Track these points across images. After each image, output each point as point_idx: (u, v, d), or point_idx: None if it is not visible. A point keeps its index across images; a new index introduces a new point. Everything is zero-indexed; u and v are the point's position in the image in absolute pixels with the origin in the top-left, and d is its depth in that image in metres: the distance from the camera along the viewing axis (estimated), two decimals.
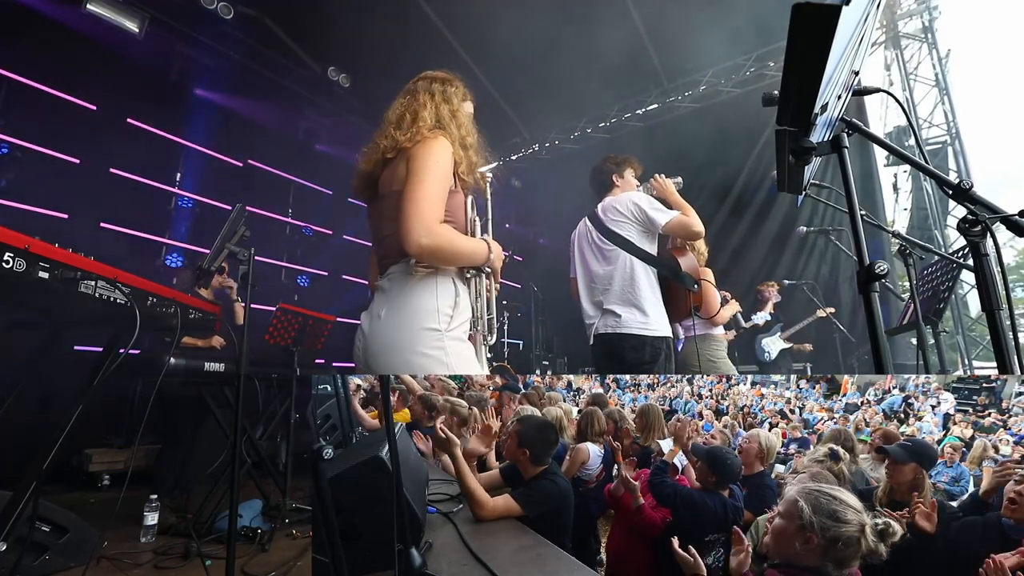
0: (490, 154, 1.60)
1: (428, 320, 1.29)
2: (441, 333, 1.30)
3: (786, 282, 4.71)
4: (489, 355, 1.50)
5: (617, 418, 2.13)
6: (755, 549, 1.24)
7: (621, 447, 1.93)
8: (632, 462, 1.64)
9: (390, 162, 1.41)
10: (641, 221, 2.57)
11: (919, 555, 1.25)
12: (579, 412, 2.30)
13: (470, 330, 1.45)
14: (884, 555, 1.01)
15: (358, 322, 1.40)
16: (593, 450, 1.91)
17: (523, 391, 2.53)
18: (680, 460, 1.69)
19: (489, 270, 1.46)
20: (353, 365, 1.40)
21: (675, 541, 1.26)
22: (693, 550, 1.24)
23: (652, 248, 2.60)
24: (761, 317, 4.53)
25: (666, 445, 1.65)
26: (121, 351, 1.37)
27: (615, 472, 1.63)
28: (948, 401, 3.20)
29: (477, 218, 1.45)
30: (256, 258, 1.68)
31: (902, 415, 3.21)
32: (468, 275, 1.42)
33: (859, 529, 1.00)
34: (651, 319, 2.49)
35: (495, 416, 1.68)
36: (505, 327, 5.48)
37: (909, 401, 3.36)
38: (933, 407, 3.20)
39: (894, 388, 3.91)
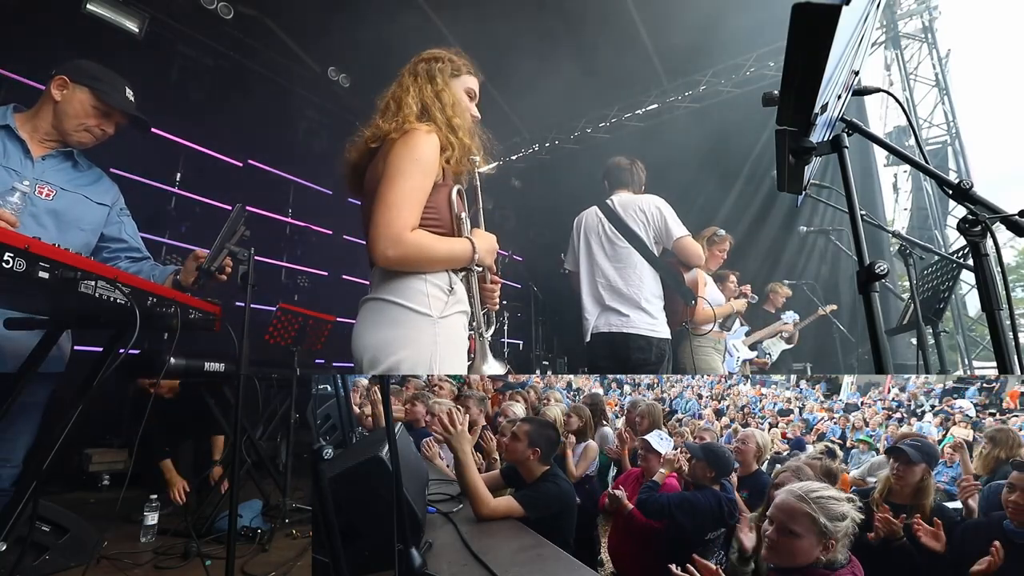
0: (490, 154, 1.57)
1: (418, 304, 1.25)
2: (433, 319, 1.25)
3: (786, 282, 4.72)
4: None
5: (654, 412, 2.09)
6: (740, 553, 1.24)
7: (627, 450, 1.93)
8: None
9: (375, 153, 1.37)
10: (657, 228, 2.59)
11: (926, 561, 1.24)
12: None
13: (470, 330, 1.44)
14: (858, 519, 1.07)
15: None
16: (609, 435, 1.92)
17: (518, 390, 2.52)
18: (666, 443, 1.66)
19: (479, 268, 1.40)
20: (352, 365, 1.39)
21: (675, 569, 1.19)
22: (706, 563, 1.21)
23: (657, 254, 2.64)
24: (790, 317, 4.43)
25: (653, 439, 1.64)
26: (121, 351, 1.37)
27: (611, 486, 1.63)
28: (966, 406, 3.19)
29: (464, 214, 1.38)
30: (256, 258, 1.67)
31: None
32: (459, 273, 1.37)
33: (853, 518, 1.05)
34: (658, 321, 2.52)
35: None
36: (505, 327, 5.47)
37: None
38: (948, 413, 3.18)
39: (893, 388, 3.91)
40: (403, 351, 1.23)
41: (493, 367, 1.41)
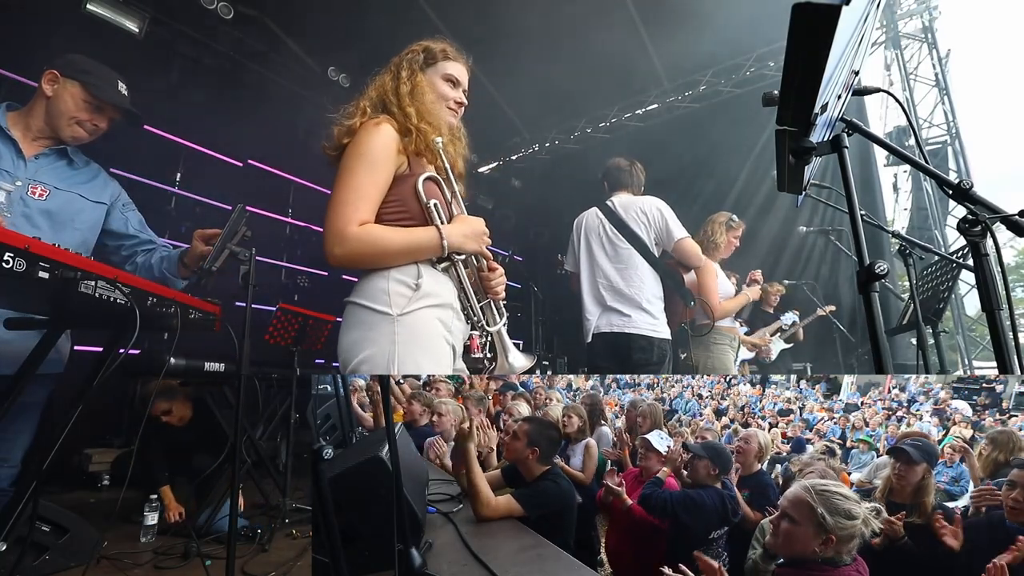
0: (466, 136, 1.49)
1: (378, 303, 1.22)
2: (392, 317, 1.20)
3: (786, 282, 4.71)
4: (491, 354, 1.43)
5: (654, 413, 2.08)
6: (764, 549, 1.24)
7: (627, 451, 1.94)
8: (612, 471, 1.67)
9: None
10: (658, 229, 2.61)
11: (929, 561, 1.24)
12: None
13: (472, 330, 1.41)
14: (877, 529, 1.09)
15: None
16: (607, 435, 1.93)
17: (519, 390, 2.52)
18: (665, 442, 1.65)
19: (461, 256, 1.31)
20: None
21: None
22: (708, 560, 1.20)
23: (657, 255, 2.65)
24: (789, 318, 4.46)
25: (653, 439, 1.64)
26: (121, 351, 1.37)
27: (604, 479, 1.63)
28: (963, 408, 3.18)
29: (433, 201, 1.28)
30: (256, 258, 1.68)
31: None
32: (439, 266, 1.29)
33: (863, 520, 1.05)
34: (659, 321, 2.53)
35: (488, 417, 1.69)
36: (505, 327, 5.47)
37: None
38: (942, 414, 3.18)
39: (893, 388, 3.91)
40: (364, 352, 1.21)
41: (520, 360, 1.35)
